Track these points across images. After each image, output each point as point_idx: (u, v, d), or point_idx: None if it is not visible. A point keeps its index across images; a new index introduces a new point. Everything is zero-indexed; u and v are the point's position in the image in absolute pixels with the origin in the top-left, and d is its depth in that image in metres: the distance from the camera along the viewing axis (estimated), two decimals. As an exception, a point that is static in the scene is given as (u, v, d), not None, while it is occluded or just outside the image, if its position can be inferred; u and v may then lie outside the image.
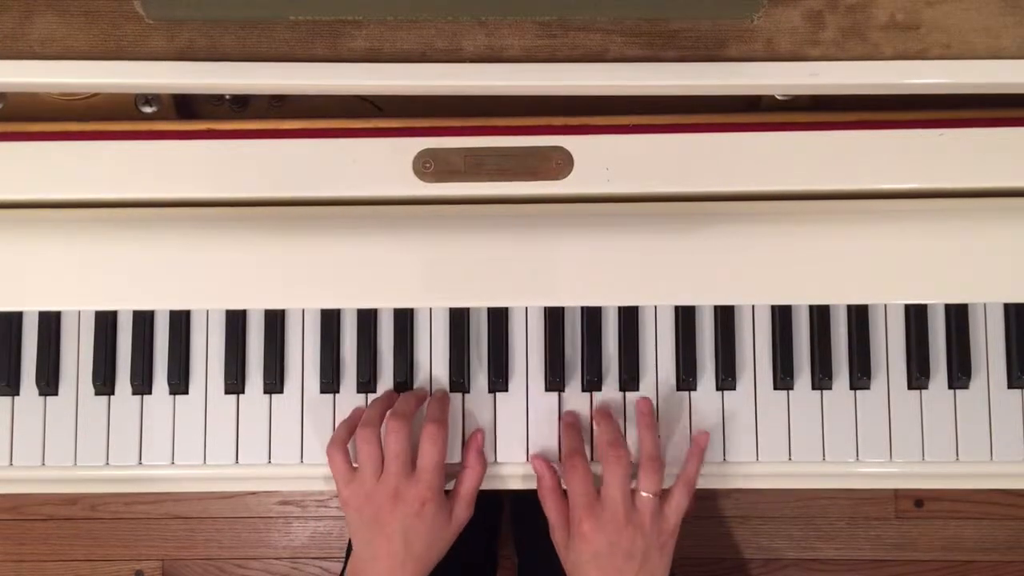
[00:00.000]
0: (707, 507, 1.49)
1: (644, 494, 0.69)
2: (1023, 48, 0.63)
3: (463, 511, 0.72)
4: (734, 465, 0.76)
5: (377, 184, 0.70)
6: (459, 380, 0.76)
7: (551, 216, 0.71)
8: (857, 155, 0.69)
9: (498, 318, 0.76)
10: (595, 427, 0.75)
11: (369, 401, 0.75)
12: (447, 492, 0.73)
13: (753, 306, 0.76)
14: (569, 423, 0.74)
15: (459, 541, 0.73)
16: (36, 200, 0.70)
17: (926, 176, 0.69)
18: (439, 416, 0.72)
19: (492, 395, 0.76)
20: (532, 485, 0.75)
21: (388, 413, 0.72)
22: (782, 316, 0.76)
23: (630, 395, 0.76)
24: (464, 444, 0.75)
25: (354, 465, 0.72)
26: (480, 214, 0.71)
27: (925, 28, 0.63)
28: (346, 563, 0.99)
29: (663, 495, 0.71)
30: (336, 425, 0.75)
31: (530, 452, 0.75)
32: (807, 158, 0.69)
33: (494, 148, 0.70)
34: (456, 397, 0.76)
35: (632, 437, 0.75)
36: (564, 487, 0.73)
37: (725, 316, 0.76)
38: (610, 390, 0.76)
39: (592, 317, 0.76)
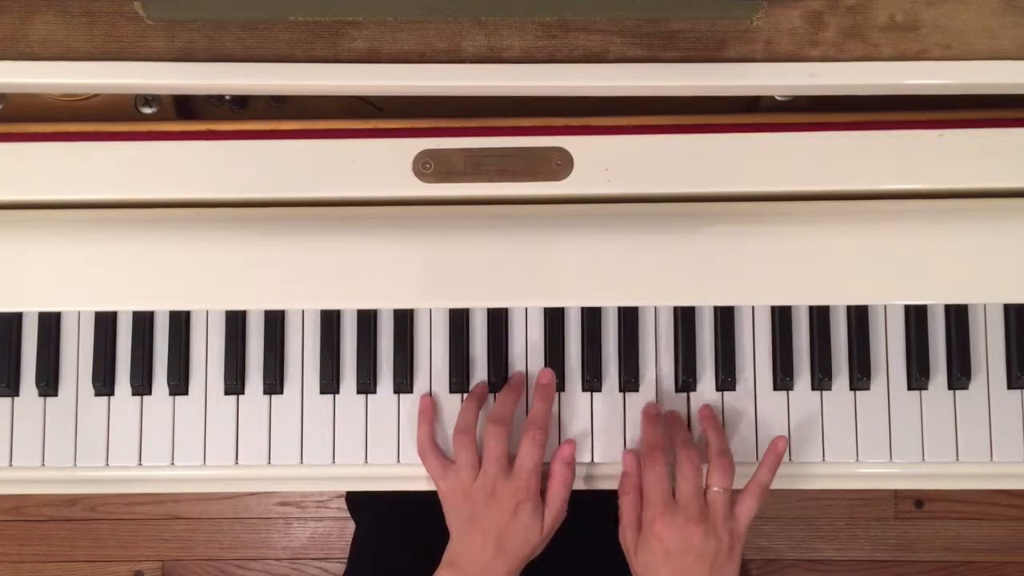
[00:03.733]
0: (707, 508, 1.49)
1: (715, 488, 0.70)
2: (1023, 48, 0.63)
3: (556, 512, 0.72)
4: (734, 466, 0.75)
5: (377, 185, 0.70)
6: (459, 381, 0.76)
7: (551, 217, 0.71)
8: (857, 156, 0.69)
9: (498, 319, 0.76)
10: (667, 430, 0.74)
11: (369, 403, 0.75)
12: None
13: (753, 307, 0.76)
14: (651, 415, 0.74)
15: None
16: (36, 200, 0.70)
17: (926, 176, 0.69)
18: (542, 421, 0.72)
19: (492, 396, 0.76)
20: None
21: (488, 418, 0.72)
22: (782, 317, 0.76)
23: (631, 396, 0.76)
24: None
25: (450, 460, 0.73)
26: (480, 215, 0.71)
27: (925, 29, 0.63)
28: (348, 564, 0.99)
29: (734, 497, 0.71)
30: (336, 426, 0.75)
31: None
32: (807, 159, 0.69)
33: (494, 148, 0.70)
34: (455, 398, 0.76)
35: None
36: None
37: (725, 317, 0.76)
38: (610, 390, 0.76)
39: (592, 318, 0.76)
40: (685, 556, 0.68)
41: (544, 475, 0.73)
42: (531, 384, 0.76)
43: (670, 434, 0.73)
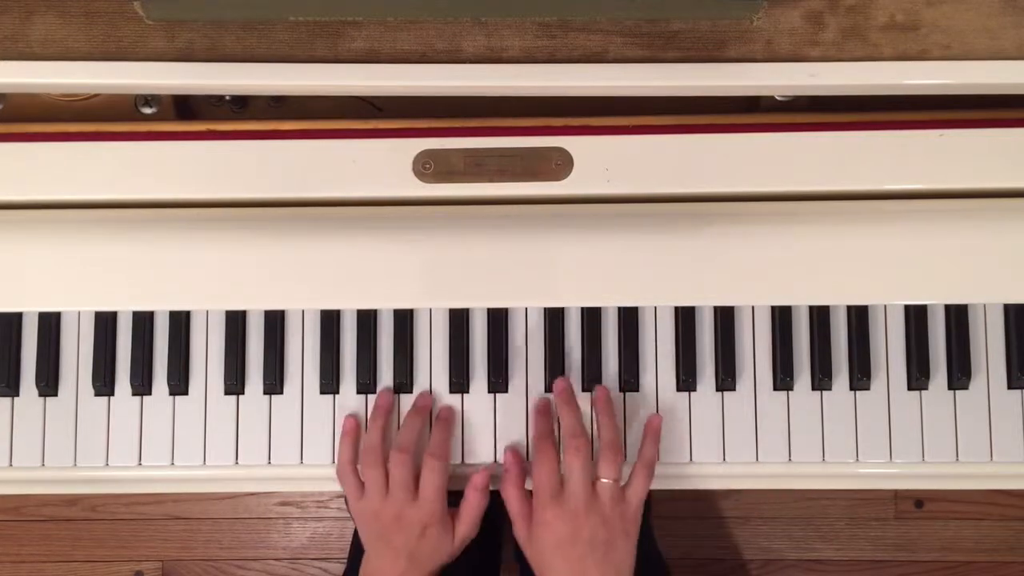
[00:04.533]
0: (707, 508, 1.49)
1: (604, 480, 0.70)
2: (1023, 49, 0.63)
3: (467, 530, 0.74)
4: (734, 466, 0.76)
5: (377, 185, 0.70)
6: (459, 381, 0.76)
7: (551, 217, 0.71)
8: (857, 156, 0.69)
9: (498, 319, 0.76)
10: (558, 414, 0.74)
11: (369, 403, 0.75)
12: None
13: (753, 307, 0.76)
14: (539, 408, 0.75)
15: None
16: (36, 201, 0.70)
17: (926, 177, 0.69)
18: (441, 450, 0.73)
19: (492, 396, 0.76)
20: None
21: (393, 446, 0.73)
22: (782, 317, 0.76)
23: (630, 395, 0.76)
24: (463, 449, 0.76)
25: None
26: (480, 215, 0.71)
27: (925, 29, 0.63)
28: (348, 564, 0.99)
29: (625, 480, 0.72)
30: (336, 426, 0.75)
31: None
32: (807, 159, 0.69)
33: (494, 149, 0.70)
34: (456, 398, 0.76)
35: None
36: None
37: (725, 316, 0.76)
38: (610, 390, 0.76)
39: (592, 318, 0.76)
40: (575, 544, 0.69)
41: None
42: (532, 375, 0.76)
43: (560, 418, 0.73)
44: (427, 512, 0.71)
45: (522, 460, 0.75)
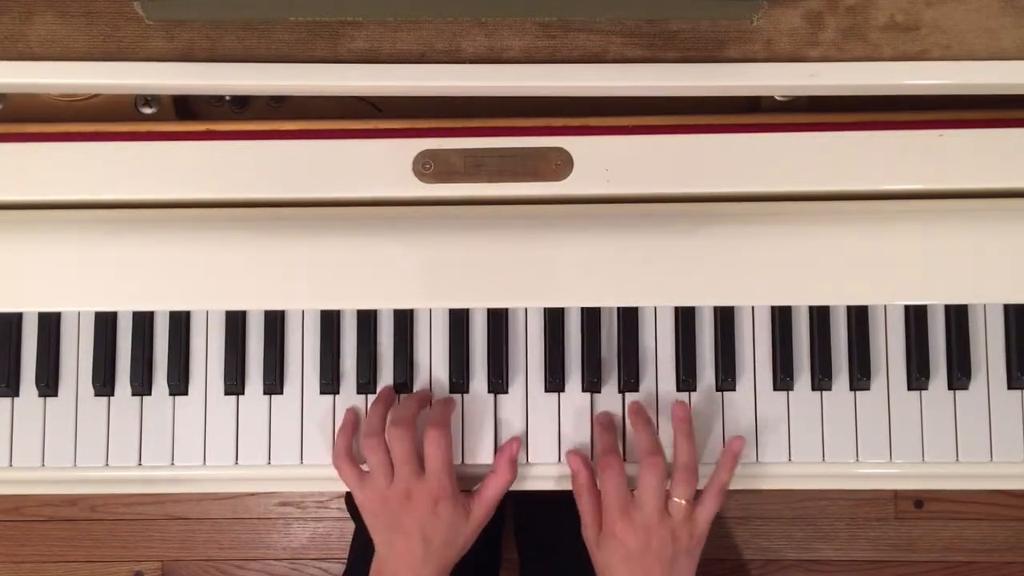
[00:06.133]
0: (707, 508, 1.49)
1: (677, 500, 0.70)
2: (1023, 49, 0.63)
3: (482, 512, 0.73)
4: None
5: (377, 185, 0.70)
6: (459, 381, 0.76)
7: (551, 217, 0.71)
8: (857, 156, 0.69)
9: (498, 319, 0.76)
10: (632, 432, 0.74)
11: (369, 403, 0.75)
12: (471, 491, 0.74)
13: (753, 307, 0.76)
14: (603, 423, 0.75)
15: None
16: (36, 201, 0.70)
17: (926, 177, 0.69)
18: (440, 420, 0.72)
19: (492, 396, 0.76)
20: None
21: (388, 421, 0.72)
22: (782, 317, 0.76)
23: (631, 395, 0.76)
24: (463, 449, 0.75)
25: (364, 468, 0.72)
26: (480, 215, 0.71)
27: (925, 29, 0.63)
28: (348, 564, 0.99)
29: (695, 500, 0.72)
30: (336, 426, 0.75)
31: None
32: (807, 159, 0.69)
33: (494, 149, 0.70)
34: (456, 398, 0.76)
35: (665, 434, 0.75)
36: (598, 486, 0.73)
37: (725, 317, 0.76)
38: (610, 391, 0.76)
39: (592, 318, 0.76)
40: (644, 559, 0.69)
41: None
42: (532, 380, 0.76)
43: (636, 436, 0.74)
44: (436, 485, 0.70)
45: (590, 464, 0.74)
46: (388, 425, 0.72)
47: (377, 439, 0.71)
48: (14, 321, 0.76)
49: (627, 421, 0.75)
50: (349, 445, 0.73)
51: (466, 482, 0.75)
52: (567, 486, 0.75)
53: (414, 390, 0.76)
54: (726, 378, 0.75)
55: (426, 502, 0.70)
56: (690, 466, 0.71)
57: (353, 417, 0.75)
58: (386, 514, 0.71)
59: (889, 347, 0.76)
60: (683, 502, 0.70)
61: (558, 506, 0.84)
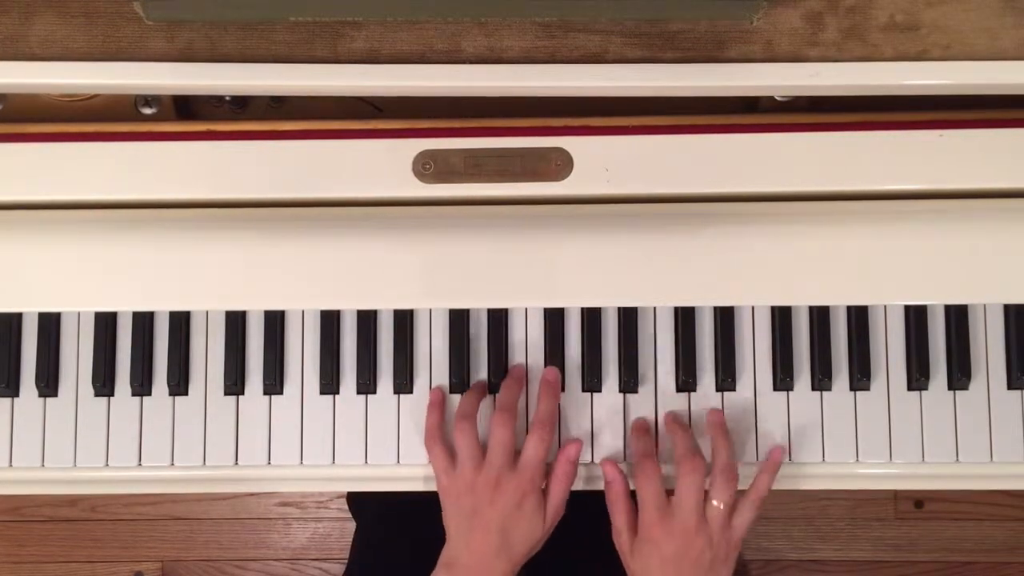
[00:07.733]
0: (707, 508, 1.49)
1: (716, 503, 0.70)
2: (1023, 49, 0.63)
3: (556, 508, 0.72)
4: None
5: (376, 185, 0.70)
6: (459, 381, 0.76)
7: (551, 217, 0.71)
8: (857, 156, 0.69)
9: (498, 319, 0.76)
10: (669, 435, 0.74)
11: (369, 403, 0.75)
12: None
13: (753, 307, 0.76)
14: (639, 428, 0.75)
15: None
16: (36, 201, 0.70)
17: (926, 177, 0.69)
18: (548, 419, 0.72)
19: (492, 396, 0.76)
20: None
21: (497, 406, 0.72)
22: (782, 317, 0.76)
23: (632, 396, 0.76)
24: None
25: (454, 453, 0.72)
26: (480, 215, 0.71)
27: (925, 29, 0.63)
28: (347, 563, 0.99)
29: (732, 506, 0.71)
30: (336, 426, 0.75)
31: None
32: (806, 159, 0.69)
33: (494, 149, 0.70)
34: (455, 399, 0.76)
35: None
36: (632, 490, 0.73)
37: (725, 317, 0.76)
38: (610, 391, 0.76)
39: (592, 318, 0.76)
40: (681, 563, 0.68)
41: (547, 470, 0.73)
42: (533, 380, 0.76)
43: (674, 440, 0.73)
44: (527, 480, 0.70)
45: (623, 472, 0.74)
46: (496, 409, 0.72)
47: (470, 423, 0.71)
48: (14, 321, 0.76)
49: (660, 426, 0.75)
50: (441, 423, 0.73)
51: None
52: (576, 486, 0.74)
53: (414, 390, 0.76)
54: (726, 378, 0.75)
55: (514, 494, 0.69)
56: (729, 467, 0.71)
57: (440, 396, 0.75)
58: (469, 500, 0.70)
59: (889, 347, 0.76)
60: (721, 506, 0.69)
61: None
